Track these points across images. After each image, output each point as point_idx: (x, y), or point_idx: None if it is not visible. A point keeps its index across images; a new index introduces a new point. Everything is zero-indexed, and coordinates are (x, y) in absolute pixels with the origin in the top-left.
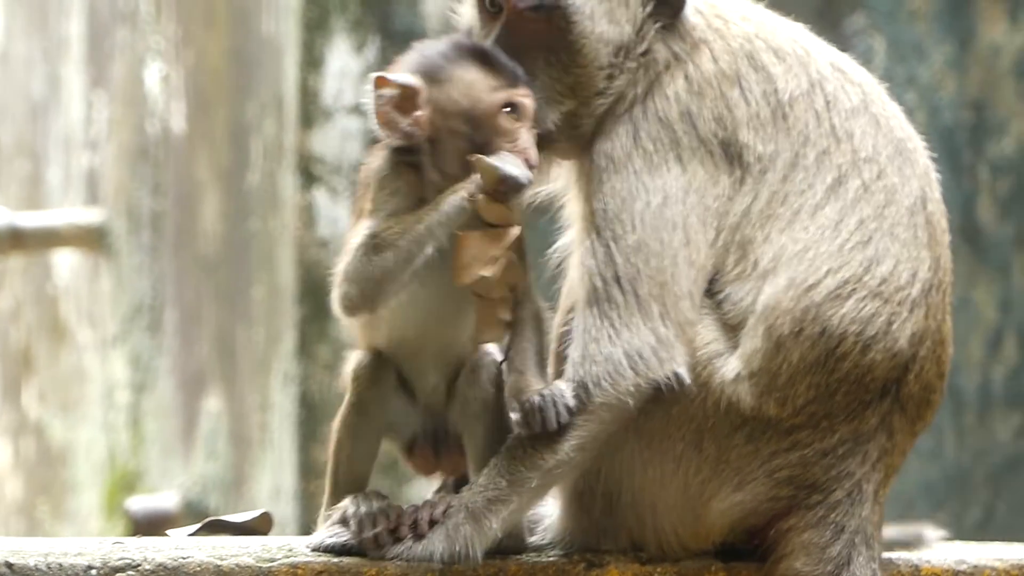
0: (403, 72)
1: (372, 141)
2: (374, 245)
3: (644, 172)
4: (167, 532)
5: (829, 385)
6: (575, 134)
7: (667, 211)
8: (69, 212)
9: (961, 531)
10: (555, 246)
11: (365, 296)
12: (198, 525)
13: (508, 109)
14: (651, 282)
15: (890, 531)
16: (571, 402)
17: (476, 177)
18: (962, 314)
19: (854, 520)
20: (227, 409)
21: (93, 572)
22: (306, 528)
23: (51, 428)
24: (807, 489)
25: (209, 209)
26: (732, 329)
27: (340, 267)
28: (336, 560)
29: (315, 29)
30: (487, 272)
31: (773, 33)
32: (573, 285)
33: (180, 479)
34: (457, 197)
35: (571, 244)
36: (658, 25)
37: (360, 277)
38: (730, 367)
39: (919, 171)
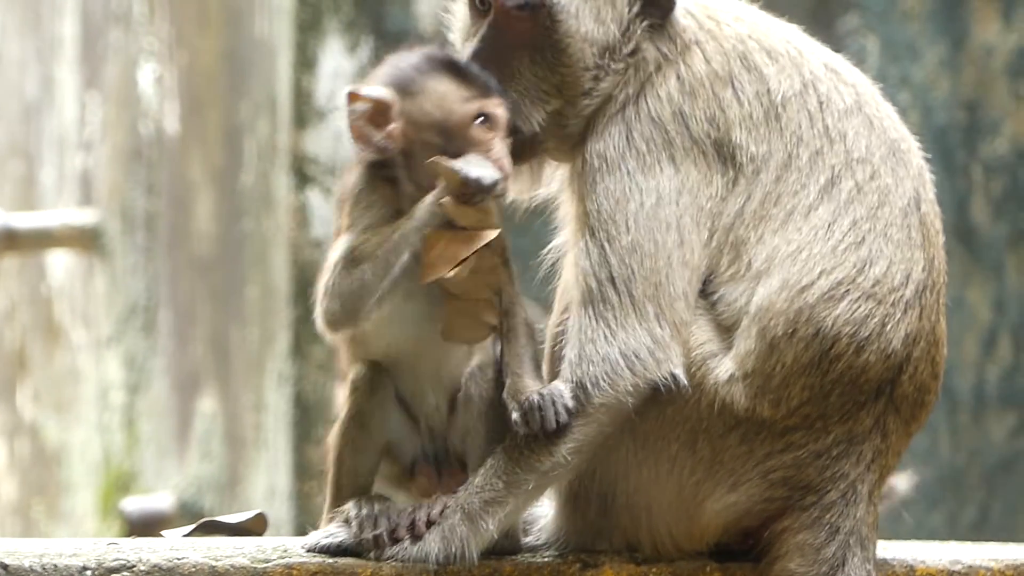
0: (375, 86)
1: None
2: (352, 259)
3: (637, 172)
4: (162, 533)
5: (823, 386)
6: (563, 134)
7: (661, 212)
8: (63, 213)
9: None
10: (549, 247)
11: (347, 310)
12: (193, 526)
13: (481, 120)
14: (646, 283)
15: None
16: (570, 402)
17: (440, 181)
18: (956, 314)
19: (849, 521)
20: (221, 410)
21: (88, 573)
22: (301, 529)
23: (46, 429)
24: (801, 490)
25: (203, 210)
26: (726, 330)
27: (320, 284)
28: (331, 561)
29: (308, 30)
30: (451, 273)
31: (766, 34)
32: (568, 286)
33: (175, 480)
34: (427, 203)
35: (565, 245)
36: (646, 25)
37: (340, 291)
38: (724, 368)
39: (913, 172)
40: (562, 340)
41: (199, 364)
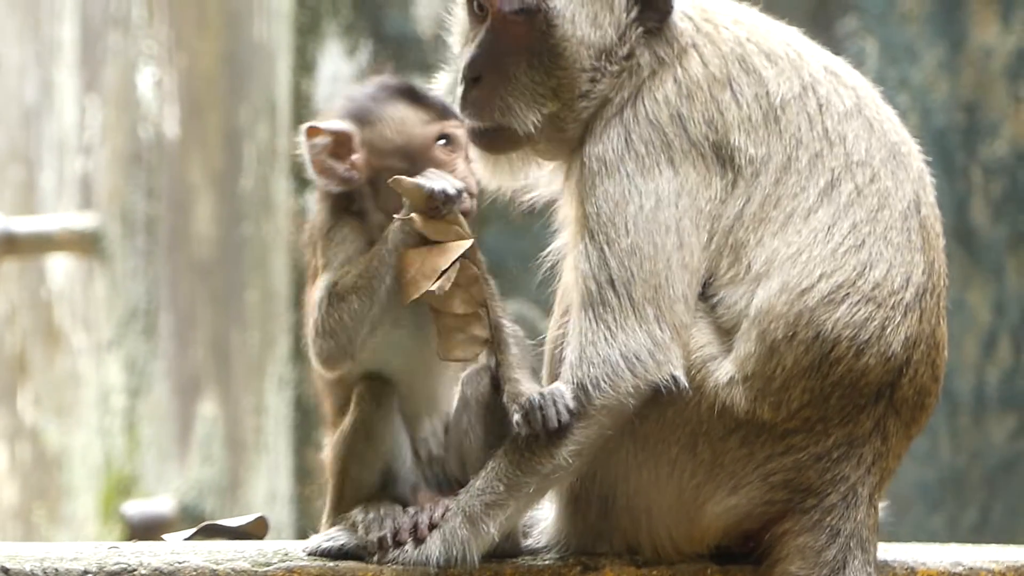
0: (333, 120)
1: None
2: (336, 294)
3: (636, 175)
4: (163, 537)
5: (823, 389)
6: (560, 137)
7: (660, 214)
8: (63, 217)
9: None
10: (548, 249)
11: (340, 345)
12: (194, 529)
13: (443, 141)
14: (645, 285)
15: None
16: (571, 402)
17: (405, 200)
18: (956, 316)
19: (849, 524)
20: (222, 413)
21: None
22: (302, 532)
23: (46, 433)
24: (802, 493)
25: (203, 213)
26: (726, 333)
27: (309, 326)
28: (332, 564)
29: (307, 33)
30: (433, 287)
31: (765, 36)
32: (567, 289)
33: (176, 483)
34: (397, 223)
35: (565, 248)
36: (642, 30)
37: (331, 328)
38: (724, 371)
39: (913, 175)
40: (562, 343)
41: (200, 368)
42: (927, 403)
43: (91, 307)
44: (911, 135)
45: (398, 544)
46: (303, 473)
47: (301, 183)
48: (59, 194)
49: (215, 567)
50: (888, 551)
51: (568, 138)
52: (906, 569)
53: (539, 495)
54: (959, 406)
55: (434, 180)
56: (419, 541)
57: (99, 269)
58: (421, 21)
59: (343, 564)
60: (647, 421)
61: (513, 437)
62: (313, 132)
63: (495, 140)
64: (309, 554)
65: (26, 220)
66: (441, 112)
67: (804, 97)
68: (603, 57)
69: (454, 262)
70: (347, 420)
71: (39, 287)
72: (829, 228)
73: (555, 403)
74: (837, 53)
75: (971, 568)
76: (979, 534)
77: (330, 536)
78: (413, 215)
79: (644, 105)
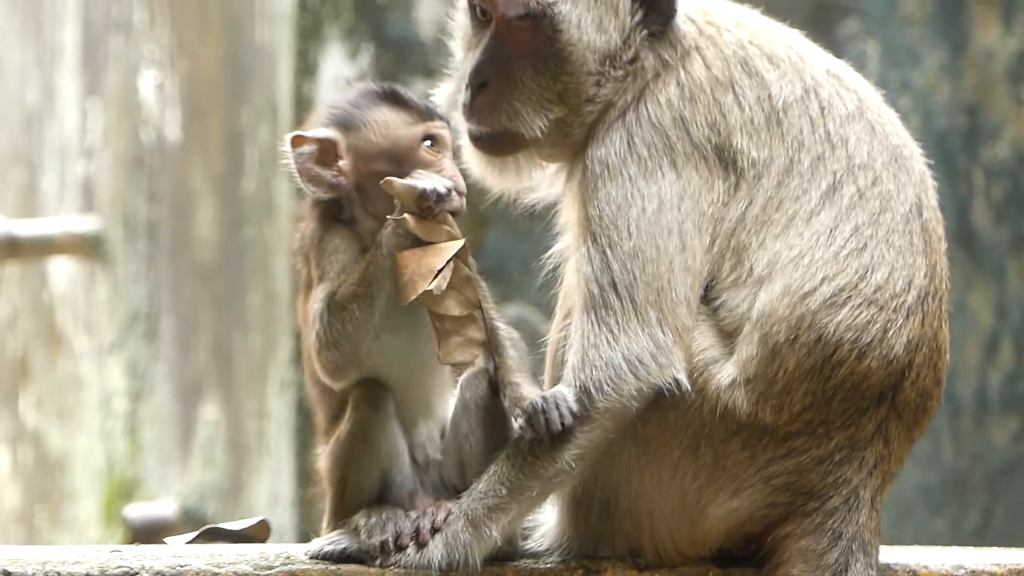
0: (317, 128)
1: None
2: (336, 304)
3: (639, 178)
4: (165, 540)
5: (825, 392)
6: (565, 141)
7: (662, 217)
8: (65, 220)
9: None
10: (551, 252)
11: (345, 354)
12: (196, 533)
13: (428, 142)
14: (647, 288)
15: None
16: (574, 405)
17: (396, 202)
18: (958, 319)
19: (851, 527)
20: (224, 417)
21: None
22: (304, 535)
23: (48, 436)
24: (804, 496)
25: (204, 217)
26: (728, 336)
27: (312, 339)
28: (334, 568)
29: (309, 37)
30: (431, 287)
31: (767, 39)
32: (570, 291)
33: (178, 487)
34: (389, 226)
35: (567, 250)
36: (646, 33)
37: (334, 338)
38: (726, 374)
39: (915, 178)
40: (564, 346)
41: (201, 371)
42: (929, 406)
43: (93, 310)
44: (913, 138)
45: (400, 548)
46: (305, 476)
47: None
48: (61, 198)
49: (217, 570)
50: (890, 554)
51: (573, 142)
52: (908, 572)
53: (541, 498)
54: (961, 409)
55: (424, 180)
56: (421, 545)
57: (101, 273)
58: (422, 25)
59: (345, 568)
60: (649, 424)
61: (515, 440)
62: (298, 141)
63: (500, 144)
64: (311, 558)
65: (28, 224)
66: (424, 113)
67: (806, 100)
68: (608, 61)
69: (448, 262)
70: (344, 426)
71: (41, 290)
72: (831, 231)
73: (558, 406)
74: (838, 56)
75: (973, 571)
76: (981, 537)
77: (332, 540)
78: (406, 216)
79: (647, 108)
